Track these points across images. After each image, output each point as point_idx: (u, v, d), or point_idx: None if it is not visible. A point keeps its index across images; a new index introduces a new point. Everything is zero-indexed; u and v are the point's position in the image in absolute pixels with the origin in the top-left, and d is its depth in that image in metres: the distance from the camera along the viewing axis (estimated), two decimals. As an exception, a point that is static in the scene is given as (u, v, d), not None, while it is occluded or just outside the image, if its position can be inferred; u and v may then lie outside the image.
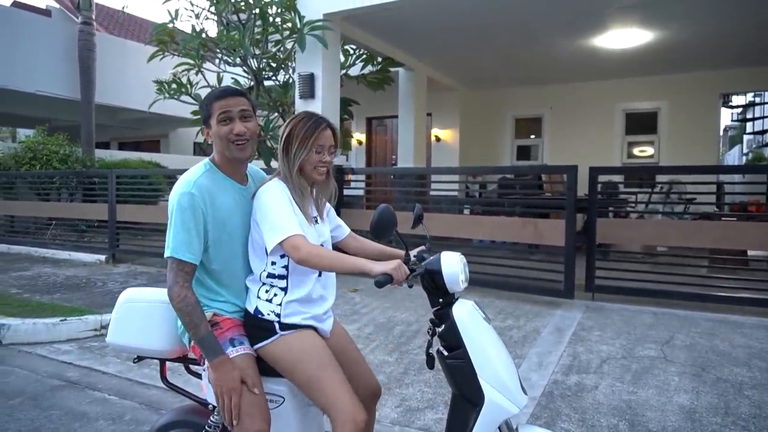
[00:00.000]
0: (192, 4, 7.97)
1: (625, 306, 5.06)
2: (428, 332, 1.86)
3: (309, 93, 6.74)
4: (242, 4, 7.08)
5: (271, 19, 6.98)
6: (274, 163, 7.18)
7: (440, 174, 7.63)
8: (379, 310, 5.06)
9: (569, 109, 10.77)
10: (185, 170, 1.95)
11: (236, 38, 6.92)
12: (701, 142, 9.61)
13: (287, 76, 7.90)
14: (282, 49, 7.38)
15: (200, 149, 17.05)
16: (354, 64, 8.31)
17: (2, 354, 4.30)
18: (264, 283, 1.88)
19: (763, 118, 14.20)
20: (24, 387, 3.61)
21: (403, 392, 3.34)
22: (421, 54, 8.99)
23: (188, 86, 7.73)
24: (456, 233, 6.18)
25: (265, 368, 1.87)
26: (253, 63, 7.43)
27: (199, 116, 8.15)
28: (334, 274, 1.97)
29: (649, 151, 10.39)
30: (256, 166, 2.14)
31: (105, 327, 4.66)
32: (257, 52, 7.33)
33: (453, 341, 1.77)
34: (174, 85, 7.67)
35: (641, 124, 10.42)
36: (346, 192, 7.04)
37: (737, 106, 14.30)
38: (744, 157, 20.48)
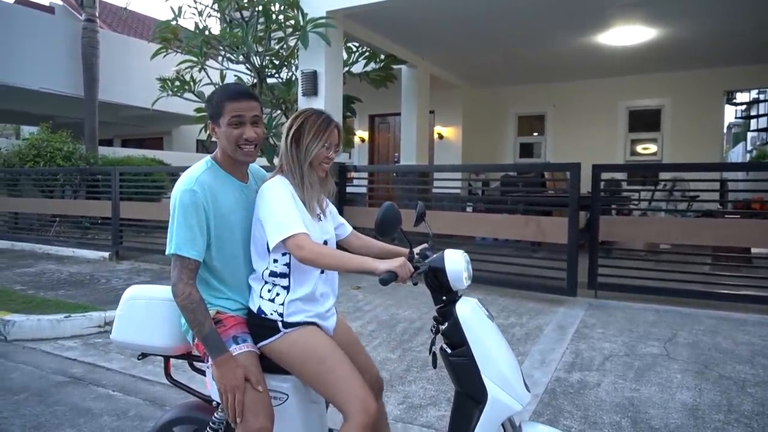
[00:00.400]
0: (195, 2, 7.94)
1: (628, 303, 5.06)
2: (432, 330, 1.87)
3: (312, 90, 6.74)
4: (245, 1, 7.07)
5: (274, 16, 6.97)
6: (275, 160, 7.18)
7: (443, 171, 7.62)
8: (381, 308, 5.07)
9: (572, 107, 10.74)
10: (188, 167, 1.96)
11: (239, 35, 6.92)
12: (705, 139, 9.58)
13: (290, 74, 7.89)
14: (285, 46, 7.37)
15: (203, 146, 17.06)
16: (357, 61, 8.30)
17: (7, 350, 4.32)
18: (266, 282, 1.88)
19: (766, 115, 14.14)
20: (29, 383, 3.63)
21: (405, 389, 3.35)
22: (424, 51, 8.98)
23: (191, 83, 7.73)
24: (459, 231, 6.18)
25: (269, 366, 1.88)
26: (256, 60, 7.42)
27: (202, 114, 8.20)
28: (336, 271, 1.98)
29: (653, 148, 10.36)
30: (256, 164, 2.14)
31: (109, 324, 4.68)
32: (260, 49, 7.33)
33: (456, 339, 1.78)
34: (177, 83, 7.67)
35: (644, 122, 10.39)
36: (348, 189, 7.04)
37: (741, 104, 14.22)
38: (748, 155, 20.43)
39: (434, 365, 1.84)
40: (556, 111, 11.01)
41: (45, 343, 4.46)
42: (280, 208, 1.80)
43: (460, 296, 1.84)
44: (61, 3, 16.03)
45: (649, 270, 5.26)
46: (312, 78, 6.72)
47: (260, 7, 6.92)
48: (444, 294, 1.83)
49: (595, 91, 10.50)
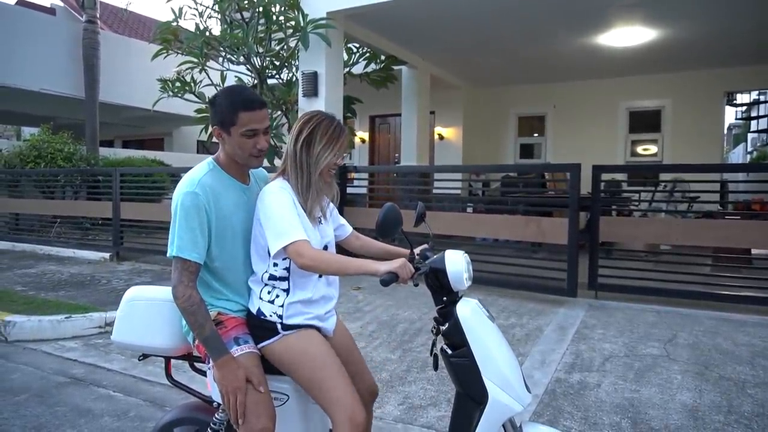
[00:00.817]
0: (196, 3, 7.95)
1: (628, 304, 5.06)
2: (432, 331, 1.87)
3: (312, 91, 6.75)
4: (246, 2, 7.08)
5: (274, 17, 6.99)
6: (276, 161, 7.20)
7: (443, 172, 7.63)
8: (382, 308, 5.07)
9: (572, 108, 10.75)
10: (189, 168, 1.96)
11: (240, 36, 6.93)
12: (705, 140, 9.58)
13: (290, 75, 7.91)
14: (285, 47, 7.38)
15: (204, 148, 17.08)
16: (357, 62, 8.31)
17: (8, 351, 4.33)
18: (266, 284, 1.88)
19: (767, 116, 14.15)
20: (29, 383, 3.64)
21: (406, 390, 3.36)
22: (425, 52, 8.99)
23: (192, 84, 7.74)
24: (459, 231, 6.19)
25: (270, 367, 1.88)
26: (257, 61, 7.44)
27: (203, 115, 8.23)
28: None
29: (653, 149, 10.37)
30: None
31: (109, 324, 4.68)
32: (260, 50, 7.34)
33: (457, 340, 1.78)
34: (178, 84, 7.68)
35: (645, 123, 10.39)
36: (348, 190, 7.05)
37: (742, 105, 14.23)
38: (748, 156, 20.43)
39: (435, 367, 1.85)
40: (557, 112, 11.01)
41: (46, 343, 4.46)
42: (281, 215, 1.80)
43: (461, 297, 1.84)
44: (62, 4, 16.06)
45: (650, 271, 5.26)
46: (312, 79, 6.73)
47: (261, 8, 6.93)
48: (445, 295, 1.83)
49: (595, 91, 10.51)
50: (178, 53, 7.71)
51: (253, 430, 1.73)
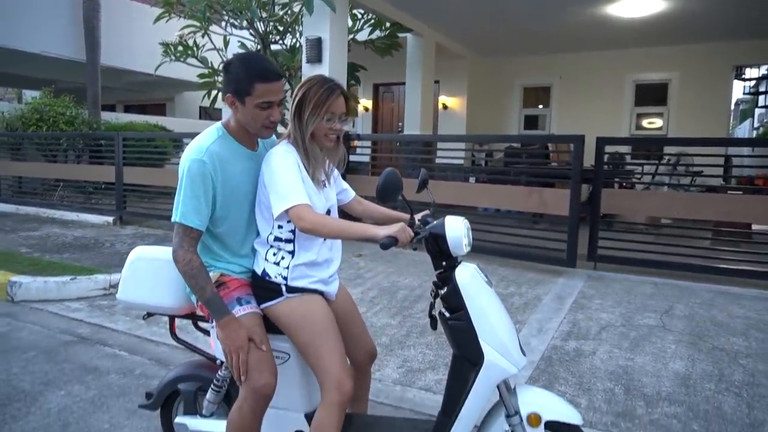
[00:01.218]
0: (198, -35, 7.83)
1: (627, 276, 5.11)
2: (431, 294, 1.91)
3: (316, 57, 6.68)
4: (249, -35, 6.96)
5: (278, -20, 6.88)
6: (281, 128, 7.17)
7: (446, 142, 7.60)
8: (383, 275, 5.13)
9: (578, 79, 10.64)
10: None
11: (243, 0, 6.83)
12: (712, 114, 9.50)
13: (294, 40, 7.81)
14: (289, 12, 7.28)
15: (206, 113, 16.97)
16: (362, 28, 8.20)
17: (14, 310, 4.41)
18: (271, 246, 1.91)
19: (776, 91, 13.96)
20: (37, 342, 3.72)
21: (405, 354, 3.43)
22: (430, 20, 8.85)
23: (195, 49, 7.66)
24: (461, 201, 6.20)
25: (272, 326, 1.93)
26: (260, 26, 7.34)
27: (205, 80, 8.17)
28: None
29: (658, 123, 10.29)
30: None
31: (114, 286, 4.75)
32: (264, 15, 7.24)
33: (455, 303, 1.82)
34: (180, 48, 7.60)
35: (651, 96, 10.29)
36: (351, 158, 7.04)
37: (750, 79, 14.03)
38: (755, 131, 20.25)
39: (434, 327, 1.89)
40: (562, 83, 10.90)
41: (51, 304, 4.53)
42: (284, 178, 1.81)
43: (460, 262, 1.88)
44: (61, -36, 15.74)
45: (650, 243, 5.29)
46: (316, 45, 6.66)
47: (264, -29, 6.82)
48: (444, 260, 1.86)
49: (602, 63, 10.38)
50: (180, 17, 7.61)
51: (256, 387, 1.79)
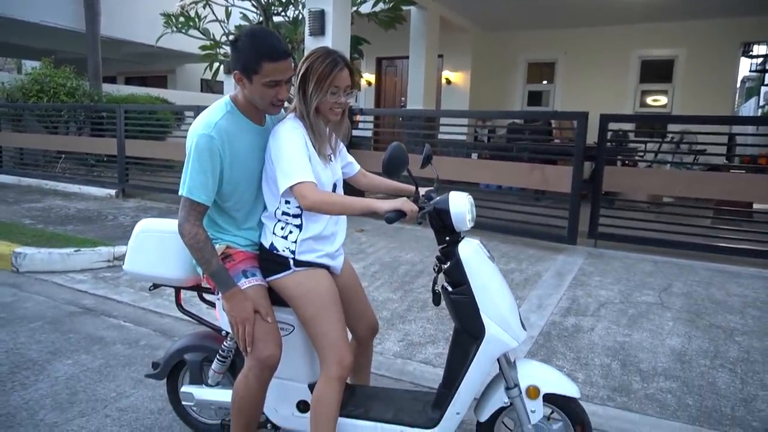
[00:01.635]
0: (199, -67, 7.68)
1: (627, 254, 5.14)
2: (434, 269, 1.94)
3: (319, 30, 6.60)
4: (251, -67, 6.83)
5: (281, -50, 6.75)
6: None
7: (449, 117, 7.56)
8: (384, 250, 5.17)
9: (583, 55, 10.51)
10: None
11: (245, -30, 6.72)
12: (717, 92, 9.41)
13: (297, 12, 7.71)
14: (292, -18, 7.17)
15: (207, 86, 16.84)
16: (365, 1, 8.07)
17: (20, 281, 4.46)
18: (279, 220, 1.92)
19: (783, 69, 13.81)
20: (43, 312, 3.77)
21: (405, 328, 3.48)
22: (435, -8, 8.72)
23: (196, 20, 7.57)
24: (463, 177, 6.19)
25: (277, 298, 1.96)
26: (262, -3, 7.24)
27: (207, 52, 8.09)
28: None
29: (663, 100, 10.21)
30: None
31: (118, 258, 4.80)
32: (266, -15, 7.14)
33: (457, 278, 1.84)
34: (182, 19, 7.51)
35: (656, 73, 10.19)
36: (354, 133, 7.01)
37: (757, 56, 13.83)
38: (760, 110, 20.08)
39: (437, 303, 1.92)
40: (567, 58, 10.78)
41: (56, 275, 4.58)
42: (290, 154, 1.81)
43: (463, 237, 1.90)
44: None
45: (650, 221, 5.31)
46: (319, 17, 6.57)
47: (267, -59, 6.69)
48: (447, 235, 1.88)
49: (608, 39, 10.25)
50: (181, -14, 7.50)
51: (261, 358, 1.83)
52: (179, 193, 1.83)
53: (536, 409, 1.85)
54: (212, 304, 2.22)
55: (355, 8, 7.73)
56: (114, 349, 3.23)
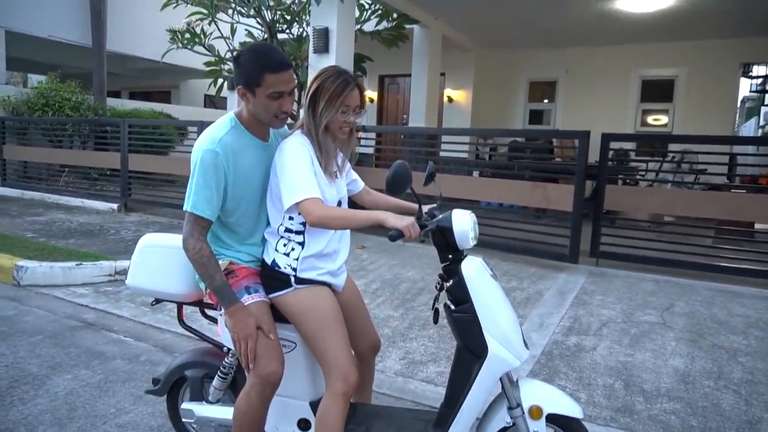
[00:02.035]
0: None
1: (629, 273, 5.14)
2: (436, 287, 1.94)
3: (323, 47, 6.67)
4: (257, -47, 6.93)
5: (286, -31, 6.85)
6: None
7: (451, 135, 7.60)
8: (386, 267, 5.16)
9: (585, 74, 10.60)
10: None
11: (251, -11, 6.82)
12: (717, 112, 9.47)
13: (301, 30, 7.80)
14: (296, 1, 7.26)
15: (211, 102, 16.96)
16: (369, 19, 8.17)
17: (21, 294, 4.45)
18: (282, 237, 1.93)
19: (783, 89, 13.90)
20: (44, 326, 3.76)
21: (407, 346, 3.46)
22: (438, 11, 8.81)
23: (202, 36, 7.65)
24: (464, 195, 6.21)
25: (279, 315, 1.96)
26: (267, 15, 7.33)
27: (212, 68, 8.17)
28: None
29: (663, 119, 10.26)
30: None
31: (119, 273, 4.79)
32: (271, 3, 7.23)
33: (460, 296, 1.84)
34: (188, 35, 7.59)
35: (657, 92, 10.25)
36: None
37: (757, 77, 13.95)
38: (760, 130, 20.16)
39: (435, 320, 1.92)
40: (569, 77, 10.86)
41: (57, 289, 4.58)
42: (296, 171, 1.82)
43: (466, 255, 1.90)
44: (68, -52, 15.67)
45: (652, 241, 5.31)
46: (324, 35, 6.64)
47: (273, -40, 6.80)
48: (450, 252, 1.88)
49: (608, 58, 10.34)
50: (187, 3, 7.60)
51: (263, 374, 1.82)
52: (183, 208, 1.84)
53: (539, 430, 1.84)
54: (214, 320, 2.22)
55: (358, 26, 7.82)
56: (114, 364, 3.21)
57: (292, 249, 1.91)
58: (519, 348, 1.83)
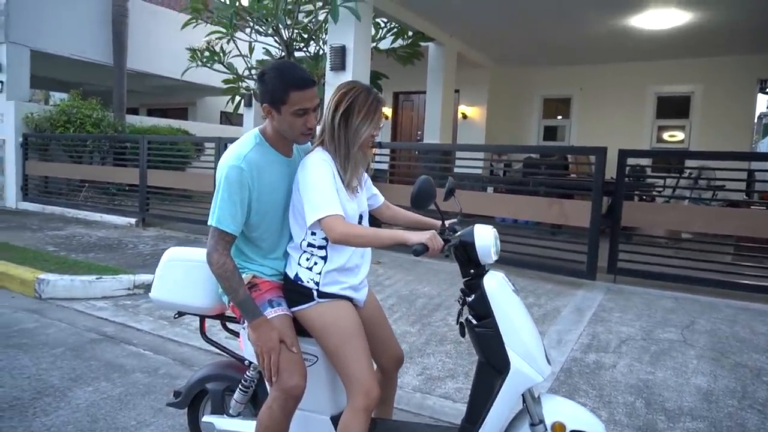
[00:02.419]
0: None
1: (647, 290, 5.08)
2: (458, 301, 1.94)
3: (340, 65, 6.76)
4: (275, -27, 7.07)
5: (303, -11, 6.98)
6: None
7: (465, 151, 7.62)
8: (402, 283, 5.16)
9: (599, 91, 10.60)
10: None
11: (269, 8, 6.94)
12: (734, 128, 9.40)
13: (317, 48, 7.92)
14: (313, 20, 7.38)
15: (226, 118, 17.19)
16: (384, 37, 8.27)
17: (42, 307, 4.52)
18: (305, 251, 1.95)
19: (800, 106, 13.79)
20: (65, 339, 3.81)
21: (424, 362, 3.45)
22: (453, 29, 8.90)
23: (221, 55, 7.79)
24: (480, 211, 6.21)
25: (301, 329, 1.97)
26: (285, 33, 7.45)
27: (230, 86, 8.30)
28: None
29: (680, 136, 10.21)
30: None
31: (138, 286, 4.84)
32: (289, 22, 7.35)
33: (482, 311, 1.85)
34: (207, 53, 7.74)
35: (673, 109, 10.22)
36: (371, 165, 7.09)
37: (774, 93, 13.85)
38: (778, 146, 19.94)
39: (462, 334, 1.92)
40: (583, 94, 10.87)
41: (77, 302, 4.64)
42: (319, 187, 1.84)
43: (488, 270, 1.91)
44: (91, -30, 16.09)
45: (670, 257, 5.25)
46: (341, 53, 6.74)
47: (290, -20, 6.93)
48: (472, 267, 1.89)
49: (623, 75, 10.33)
50: (206, 23, 7.76)
51: (286, 388, 1.83)
52: (208, 223, 1.87)
53: (562, 447, 1.82)
54: (235, 334, 2.24)
55: (374, 44, 7.92)
56: (134, 377, 3.24)
57: (315, 263, 1.93)
58: (542, 363, 1.83)
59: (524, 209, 6.00)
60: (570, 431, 1.83)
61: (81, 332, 3.96)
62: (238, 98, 8.52)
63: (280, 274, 2.02)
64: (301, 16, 7.47)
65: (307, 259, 1.94)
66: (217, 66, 7.94)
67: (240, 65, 8.17)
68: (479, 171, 7.80)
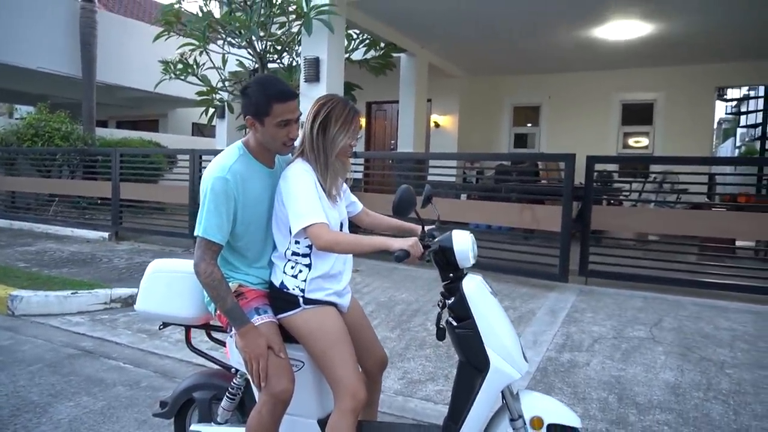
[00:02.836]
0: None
1: (617, 290, 5.26)
2: (438, 305, 2.03)
3: (314, 76, 6.83)
4: (248, -15, 7.13)
5: (276, 1, 7.04)
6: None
7: (438, 159, 7.76)
8: (380, 290, 5.23)
9: (567, 99, 10.89)
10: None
11: (242, 20, 6.98)
12: (695, 134, 9.78)
13: (291, 59, 7.97)
14: (287, 32, 7.45)
15: (198, 130, 17.08)
16: (357, 48, 8.39)
17: (16, 324, 4.45)
18: (289, 260, 2.01)
19: (756, 111, 14.38)
20: (41, 355, 3.77)
21: (405, 366, 3.53)
22: (424, 40, 9.07)
23: (194, 67, 7.79)
24: (454, 217, 6.33)
25: (287, 335, 2.03)
26: (258, 45, 7.50)
27: (203, 97, 8.29)
28: None
29: (644, 141, 10.56)
30: None
31: (114, 300, 4.81)
32: (262, 34, 7.40)
33: (462, 312, 1.93)
34: (180, 66, 7.73)
35: (637, 115, 10.57)
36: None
37: (731, 100, 14.46)
38: (737, 150, 20.74)
39: (441, 338, 2.00)
40: (552, 102, 11.16)
41: (53, 318, 4.58)
42: (302, 197, 1.91)
43: (466, 273, 2.00)
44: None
45: (638, 258, 5.45)
46: (314, 64, 6.81)
47: (263, -8, 6.99)
48: (451, 271, 1.98)
49: (590, 83, 10.66)
50: (179, 35, 7.75)
51: (275, 392, 1.88)
52: (195, 233, 1.92)
53: (540, 440, 1.91)
54: (221, 343, 2.28)
55: (347, 55, 8.02)
56: (115, 390, 3.23)
57: (300, 271, 2.00)
58: (519, 361, 1.92)
59: (498, 215, 6.15)
60: (548, 425, 1.92)
61: (58, 348, 3.92)
62: (212, 110, 8.52)
63: (265, 283, 2.07)
64: (274, 28, 7.53)
65: (292, 267, 2.00)
66: (190, 78, 7.93)
67: (213, 77, 8.18)
68: (452, 179, 7.94)
